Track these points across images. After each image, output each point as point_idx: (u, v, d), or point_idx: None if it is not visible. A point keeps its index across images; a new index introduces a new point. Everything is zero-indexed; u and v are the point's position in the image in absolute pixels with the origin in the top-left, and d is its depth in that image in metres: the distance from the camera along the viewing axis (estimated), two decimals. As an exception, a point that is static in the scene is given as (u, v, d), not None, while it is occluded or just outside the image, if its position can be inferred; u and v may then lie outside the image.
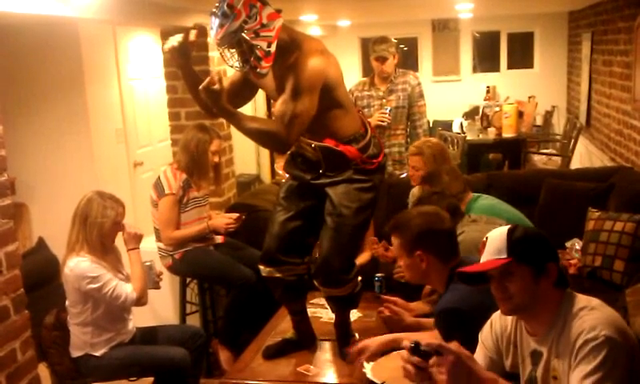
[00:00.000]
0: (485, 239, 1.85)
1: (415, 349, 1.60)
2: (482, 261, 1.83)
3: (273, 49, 2.36)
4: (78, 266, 2.86)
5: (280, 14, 2.38)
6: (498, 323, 1.96)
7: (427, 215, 2.41)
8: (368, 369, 2.47)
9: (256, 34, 2.31)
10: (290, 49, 2.44)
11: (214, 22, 2.31)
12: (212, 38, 2.36)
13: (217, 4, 2.32)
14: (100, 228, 2.90)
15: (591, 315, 1.69)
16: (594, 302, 1.76)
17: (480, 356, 2.00)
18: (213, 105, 2.32)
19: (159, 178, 3.66)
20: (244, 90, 2.67)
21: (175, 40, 2.39)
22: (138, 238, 3.08)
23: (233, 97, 2.47)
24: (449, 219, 2.39)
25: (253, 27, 2.30)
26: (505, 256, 1.76)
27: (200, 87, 2.29)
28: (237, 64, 2.37)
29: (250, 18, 2.29)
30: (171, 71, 4.44)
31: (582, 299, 1.77)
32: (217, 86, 2.28)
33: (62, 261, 2.95)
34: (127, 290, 2.93)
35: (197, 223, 3.71)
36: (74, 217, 2.94)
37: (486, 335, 2.02)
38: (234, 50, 2.35)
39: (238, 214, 3.80)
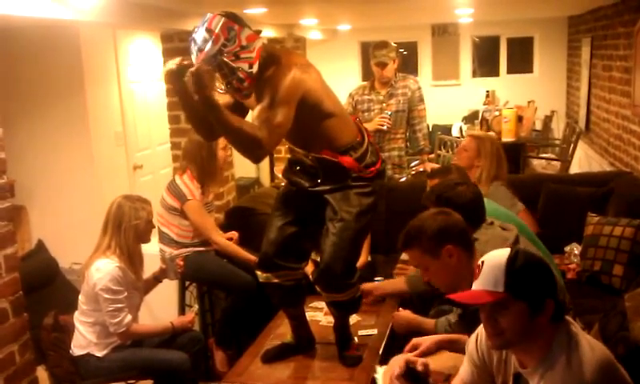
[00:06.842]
0: (480, 263, 1.72)
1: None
2: (474, 287, 1.70)
3: (255, 69, 2.36)
4: (107, 266, 2.92)
5: (259, 35, 2.38)
6: (484, 338, 1.82)
7: (437, 213, 2.30)
8: (380, 373, 2.40)
9: (236, 56, 2.31)
10: (268, 63, 2.44)
11: (193, 47, 2.30)
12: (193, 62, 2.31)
13: (195, 29, 2.31)
14: (136, 230, 2.99)
15: (577, 368, 1.59)
16: (585, 341, 1.65)
17: (466, 369, 1.95)
18: (197, 91, 2.24)
19: (177, 184, 3.61)
20: (235, 112, 2.63)
21: (173, 63, 2.35)
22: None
23: None
24: (457, 214, 2.32)
25: (232, 50, 2.30)
26: (501, 290, 1.63)
27: (191, 69, 2.23)
28: (220, 87, 2.36)
29: (228, 42, 2.28)
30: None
31: (576, 336, 1.65)
32: (208, 76, 2.23)
33: (86, 263, 2.98)
34: (124, 319, 2.95)
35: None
36: (106, 224, 3.00)
37: (471, 349, 1.93)
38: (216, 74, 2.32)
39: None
